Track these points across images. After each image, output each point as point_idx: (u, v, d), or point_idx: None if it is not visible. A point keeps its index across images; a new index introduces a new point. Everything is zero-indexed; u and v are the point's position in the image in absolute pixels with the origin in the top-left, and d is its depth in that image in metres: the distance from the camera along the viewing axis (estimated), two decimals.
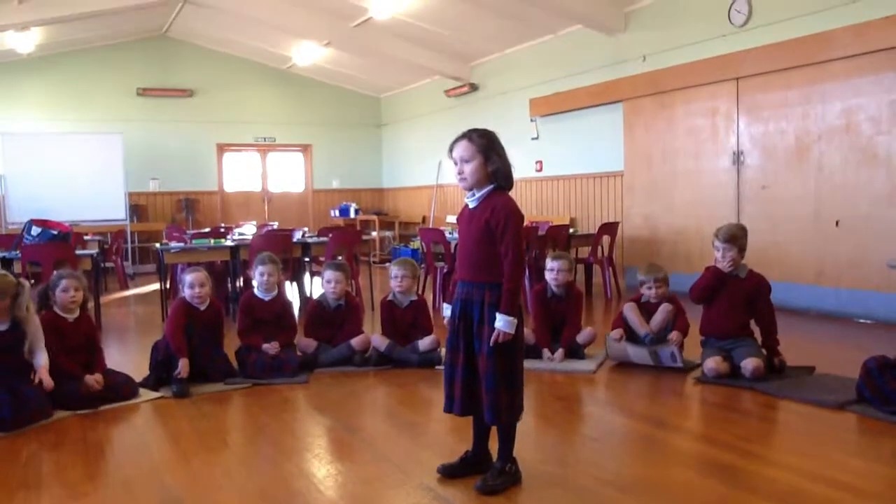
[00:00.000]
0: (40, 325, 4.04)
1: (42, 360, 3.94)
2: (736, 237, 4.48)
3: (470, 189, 2.88)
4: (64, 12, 9.19)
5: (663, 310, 4.84)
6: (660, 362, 4.67)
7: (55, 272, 4.40)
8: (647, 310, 4.93)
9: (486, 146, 2.83)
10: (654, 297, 4.92)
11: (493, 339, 2.77)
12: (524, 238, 2.77)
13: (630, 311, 4.93)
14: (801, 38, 6.62)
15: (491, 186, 2.86)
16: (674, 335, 4.73)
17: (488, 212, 2.81)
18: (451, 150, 2.89)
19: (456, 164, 2.87)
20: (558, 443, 3.51)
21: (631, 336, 4.88)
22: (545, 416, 3.90)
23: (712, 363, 4.38)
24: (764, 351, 4.50)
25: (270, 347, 4.71)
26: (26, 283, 4.02)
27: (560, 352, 4.93)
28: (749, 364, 4.29)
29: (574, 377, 4.63)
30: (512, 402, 2.86)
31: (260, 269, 4.96)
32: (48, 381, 3.87)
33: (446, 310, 3.02)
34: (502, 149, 2.88)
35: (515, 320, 2.79)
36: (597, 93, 9.03)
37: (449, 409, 2.96)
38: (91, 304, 5.21)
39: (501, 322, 2.76)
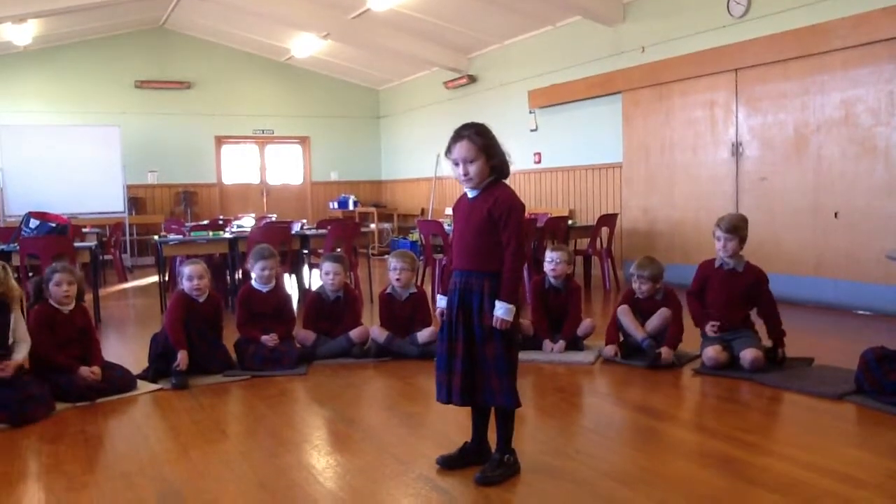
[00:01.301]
0: (22, 316, 4.02)
1: (20, 355, 3.90)
2: (738, 227, 4.48)
3: (475, 187, 2.88)
4: (61, 4, 9.15)
5: (660, 315, 4.73)
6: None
7: (49, 266, 4.38)
8: (640, 308, 4.84)
9: (486, 144, 2.82)
10: (641, 293, 4.84)
11: (493, 324, 2.79)
12: (524, 229, 2.80)
13: (624, 316, 4.81)
14: (799, 29, 6.61)
15: (491, 178, 2.87)
16: (664, 352, 4.55)
17: (491, 202, 2.82)
18: (449, 150, 2.87)
19: (457, 164, 2.85)
20: (557, 434, 3.52)
21: (625, 338, 4.82)
22: (544, 407, 3.91)
23: (711, 352, 4.37)
24: (770, 341, 4.51)
25: (269, 339, 4.71)
26: (4, 264, 3.98)
27: (561, 343, 4.95)
28: (748, 355, 4.28)
29: (573, 368, 4.63)
30: (514, 389, 2.88)
31: (261, 263, 4.93)
32: (5, 374, 3.74)
33: (440, 301, 3.01)
34: (497, 140, 2.88)
35: (514, 308, 2.80)
36: (595, 84, 9.01)
37: (445, 399, 2.95)
38: (89, 297, 5.21)
39: (501, 310, 2.78)
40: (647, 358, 4.56)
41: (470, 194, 2.91)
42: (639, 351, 4.68)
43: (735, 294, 4.53)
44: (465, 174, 2.84)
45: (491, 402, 2.90)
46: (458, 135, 2.85)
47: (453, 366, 2.90)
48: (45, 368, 4.03)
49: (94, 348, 4.30)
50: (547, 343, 4.97)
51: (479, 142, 2.81)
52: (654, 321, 4.73)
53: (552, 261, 5.07)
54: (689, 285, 4.76)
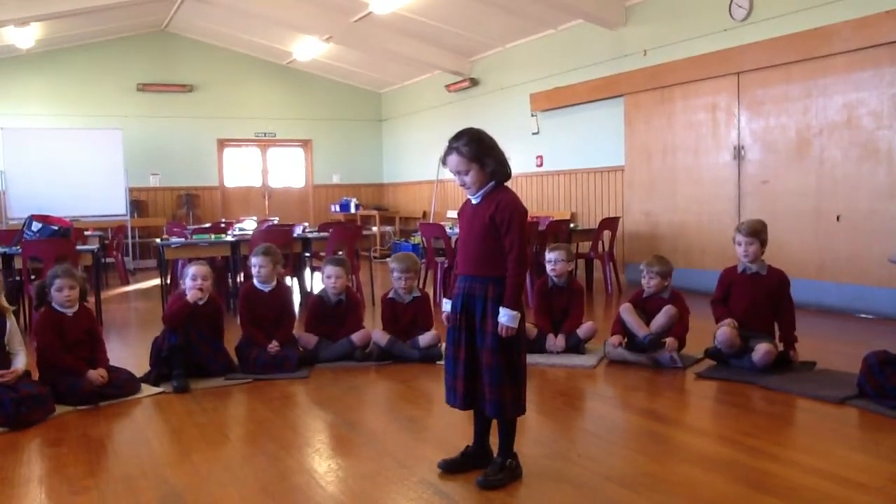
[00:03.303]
0: (17, 325, 4.07)
1: (20, 362, 3.93)
2: (758, 231, 4.51)
3: (476, 193, 2.90)
4: (64, 7, 9.18)
5: (665, 312, 4.72)
6: (659, 365, 4.64)
7: (50, 269, 4.39)
8: (646, 308, 4.85)
9: (477, 153, 2.83)
10: (648, 288, 4.86)
11: (498, 332, 2.78)
12: (527, 234, 2.80)
13: (627, 314, 4.81)
14: (801, 33, 6.61)
15: (492, 183, 2.87)
16: (669, 341, 4.59)
17: (493, 207, 2.83)
18: (443, 161, 2.91)
19: (453, 174, 2.90)
20: (559, 438, 3.51)
21: (630, 338, 4.81)
22: (546, 411, 3.90)
23: (727, 330, 4.38)
24: (781, 345, 4.51)
25: (271, 348, 4.71)
26: None
27: (561, 337, 4.95)
28: (762, 347, 4.30)
29: (574, 372, 4.63)
30: (516, 397, 2.87)
31: (253, 260, 4.97)
32: (6, 381, 3.76)
33: (446, 304, 3.02)
34: (492, 145, 2.88)
35: (518, 315, 2.80)
36: (597, 87, 9.01)
37: (451, 401, 2.97)
38: (91, 299, 5.22)
39: (505, 317, 2.77)
40: (650, 346, 4.57)
41: (473, 200, 2.92)
42: (642, 349, 4.68)
43: (759, 298, 4.54)
44: (463, 184, 2.89)
45: (484, 409, 2.90)
46: (449, 147, 2.88)
47: (457, 371, 2.91)
48: (53, 371, 4.05)
49: (99, 350, 4.32)
50: (550, 337, 4.98)
51: (468, 153, 2.82)
52: (660, 319, 4.71)
53: (552, 260, 5.11)
54: (692, 289, 4.79)
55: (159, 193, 13.01)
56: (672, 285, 4.94)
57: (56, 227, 6.53)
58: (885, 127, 6.12)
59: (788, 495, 2.68)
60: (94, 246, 7.03)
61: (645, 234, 8.45)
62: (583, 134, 9.50)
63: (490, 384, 2.83)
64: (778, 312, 4.58)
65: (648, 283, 4.87)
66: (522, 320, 2.85)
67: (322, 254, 7.46)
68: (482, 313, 2.85)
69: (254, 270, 4.96)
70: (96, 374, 4.08)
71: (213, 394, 4.30)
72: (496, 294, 2.82)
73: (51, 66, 12.15)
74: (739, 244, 4.54)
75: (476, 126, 2.97)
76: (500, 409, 2.85)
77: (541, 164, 10.26)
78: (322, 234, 7.73)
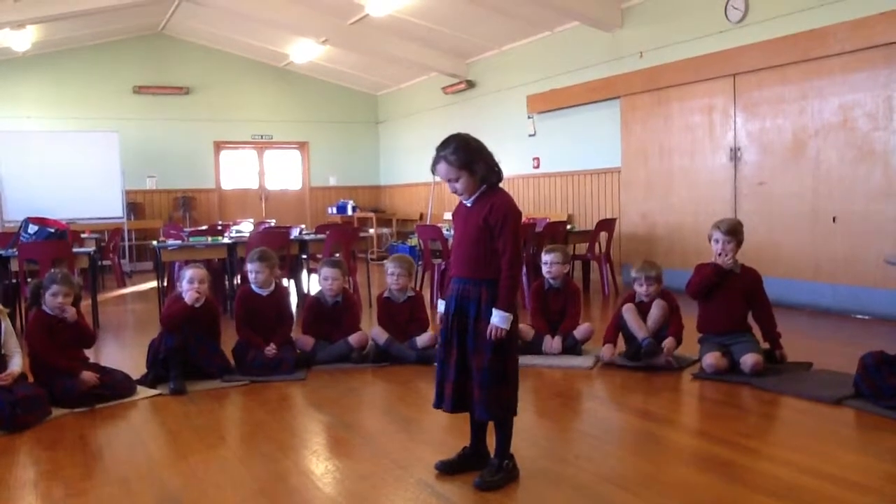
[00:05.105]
0: (12, 328, 4.08)
1: (16, 364, 3.95)
2: (737, 230, 4.52)
3: (468, 198, 2.91)
4: (60, 10, 9.16)
5: (657, 305, 4.74)
6: (655, 367, 4.63)
7: (49, 272, 4.37)
8: (642, 311, 4.81)
9: (465, 160, 2.82)
10: (646, 295, 4.82)
11: (488, 333, 2.78)
12: (522, 235, 2.80)
13: (628, 313, 4.77)
14: (797, 34, 6.62)
15: (484, 186, 2.88)
16: (668, 343, 4.57)
17: (487, 209, 2.83)
18: (432, 171, 2.91)
19: (444, 182, 2.91)
20: (556, 439, 3.52)
21: (627, 340, 4.80)
22: (543, 412, 3.90)
23: (711, 359, 4.37)
24: (766, 344, 4.51)
25: (269, 350, 4.70)
26: None
27: (558, 338, 4.95)
28: (749, 360, 4.29)
29: (571, 373, 4.63)
30: (506, 399, 2.87)
31: (248, 266, 4.97)
32: (4, 384, 3.78)
33: (441, 306, 3.02)
34: (480, 149, 2.87)
35: (511, 316, 2.79)
36: (594, 89, 9.02)
37: (438, 405, 2.97)
38: (87, 303, 5.22)
39: (497, 318, 2.77)
40: (647, 353, 4.54)
41: (467, 202, 2.93)
42: (638, 355, 4.65)
43: (733, 296, 4.54)
44: (454, 190, 2.90)
45: (474, 411, 2.89)
46: (437, 156, 2.88)
47: (447, 372, 2.91)
48: (48, 373, 4.04)
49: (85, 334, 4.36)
50: (547, 339, 4.97)
51: (456, 161, 2.82)
52: (654, 313, 4.72)
53: (547, 262, 5.11)
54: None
55: (156, 196, 12.99)
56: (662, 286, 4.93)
57: (52, 230, 6.52)
58: (880, 128, 6.13)
59: (785, 496, 2.69)
60: (91, 248, 7.03)
61: (641, 236, 8.46)
62: (579, 136, 9.51)
63: (480, 386, 2.83)
64: (755, 313, 4.59)
65: (647, 290, 4.81)
66: (515, 322, 2.85)
67: (319, 256, 7.46)
68: (475, 316, 2.85)
69: (251, 276, 4.95)
70: (91, 375, 4.07)
71: (210, 396, 4.29)
72: (490, 297, 2.82)
73: (47, 68, 12.13)
74: (717, 241, 4.52)
75: (473, 128, 2.99)
76: (488, 412, 2.84)
77: (537, 166, 10.26)
78: (319, 236, 7.74)
